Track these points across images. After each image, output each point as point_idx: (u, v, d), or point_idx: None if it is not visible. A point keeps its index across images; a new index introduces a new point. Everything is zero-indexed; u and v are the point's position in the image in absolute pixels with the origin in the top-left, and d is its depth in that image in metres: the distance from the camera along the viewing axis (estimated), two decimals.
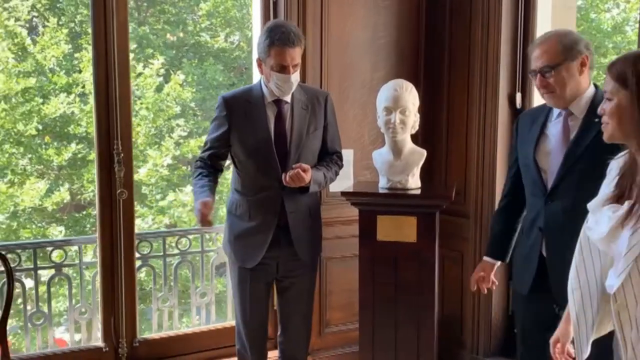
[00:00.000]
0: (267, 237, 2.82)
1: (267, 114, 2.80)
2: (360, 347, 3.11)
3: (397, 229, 3.02)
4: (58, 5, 11.17)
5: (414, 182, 3.08)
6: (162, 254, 3.78)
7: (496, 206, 3.41)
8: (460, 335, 3.68)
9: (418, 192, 3.07)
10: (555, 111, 2.39)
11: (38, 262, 3.51)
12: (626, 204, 1.73)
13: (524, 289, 2.48)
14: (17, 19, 9.62)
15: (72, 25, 10.82)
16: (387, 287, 3.05)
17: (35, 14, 10.93)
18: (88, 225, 9.14)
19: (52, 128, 9.38)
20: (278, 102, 2.81)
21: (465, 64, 3.55)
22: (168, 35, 10.56)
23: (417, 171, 3.11)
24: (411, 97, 3.00)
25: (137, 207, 8.65)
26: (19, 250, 3.61)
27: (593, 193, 2.13)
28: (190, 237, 3.94)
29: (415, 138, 3.81)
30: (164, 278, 3.77)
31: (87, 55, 9.57)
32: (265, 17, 3.43)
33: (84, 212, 9.41)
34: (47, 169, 9.19)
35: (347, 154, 3.55)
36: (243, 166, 2.85)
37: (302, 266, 2.94)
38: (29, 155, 8.90)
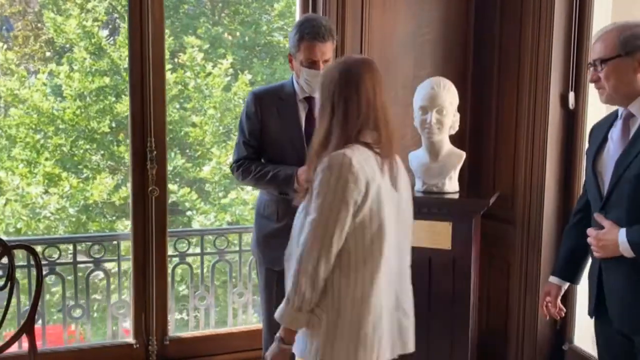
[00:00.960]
0: None
1: (299, 111, 2.72)
2: None
3: (431, 235, 2.86)
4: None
5: (451, 186, 2.92)
6: (199, 252, 3.76)
7: (544, 213, 3.22)
8: (504, 350, 3.46)
9: (455, 196, 2.90)
10: (620, 113, 2.14)
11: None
12: None
13: (590, 312, 2.25)
14: (95, 20, 9.97)
15: None
16: (420, 297, 2.87)
17: (117, 15, 11.30)
18: None
19: (124, 126, 9.66)
20: (309, 100, 2.71)
21: (516, 61, 3.33)
22: (234, 35, 10.73)
23: (454, 174, 2.94)
24: (449, 96, 2.85)
25: (201, 204, 8.78)
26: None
27: None
28: (230, 236, 3.90)
29: (463, 140, 3.64)
30: (201, 277, 3.75)
31: None
32: (304, 11, 3.34)
33: None
34: (118, 165, 9.48)
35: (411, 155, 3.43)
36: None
37: None
38: (102, 152, 9.21)
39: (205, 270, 3.77)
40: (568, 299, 3.14)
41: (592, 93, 3.12)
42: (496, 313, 3.52)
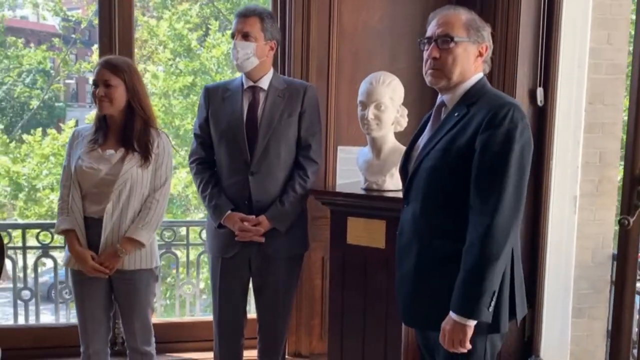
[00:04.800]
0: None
1: (243, 99, 2.81)
2: (328, 356, 2.94)
3: (367, 233, 2.80)
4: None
5: (392, 184, 2.82)
6: None
7: None
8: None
9: (397, 194, 2.81)
10: (439, 101, 2.13)
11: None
12: None
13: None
14: (186, 22, 10.41)
15: None
16: (357, 295, 2.84)
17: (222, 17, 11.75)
18: None
19: None
20: (254, 89, 2.81)
21: None
22: None
23: (396, 172, 2.84)
24: (389, 91, 2.75)
25: None
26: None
27: (443, 199, 1.98)
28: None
29: None
30: None
31: None
32: (274, 5, 3.39)
33: None
34: None
35: (358, 152, 3.39)
36: (217, 150, 2.86)
37: (276, 264, 2.85)
38: (185, 148, 9.70)
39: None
40: (536, 311, 2.97)
41: (562, 88, 2.94)
42: None
